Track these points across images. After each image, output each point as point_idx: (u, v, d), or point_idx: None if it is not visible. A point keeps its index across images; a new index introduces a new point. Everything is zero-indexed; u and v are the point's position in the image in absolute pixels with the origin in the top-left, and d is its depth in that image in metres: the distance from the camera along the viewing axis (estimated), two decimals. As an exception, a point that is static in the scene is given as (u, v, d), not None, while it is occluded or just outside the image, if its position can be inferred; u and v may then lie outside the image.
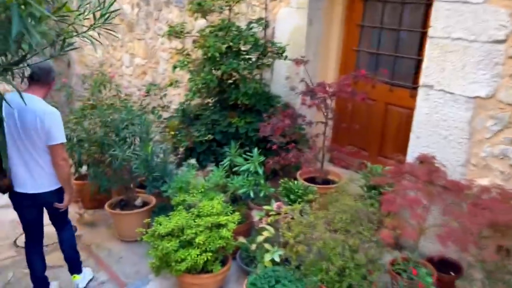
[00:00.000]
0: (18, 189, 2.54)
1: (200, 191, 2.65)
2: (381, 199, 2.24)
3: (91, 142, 3.14)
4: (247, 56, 3.11)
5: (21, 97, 1.75)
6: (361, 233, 2.15)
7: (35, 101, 2.47)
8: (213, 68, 3.08)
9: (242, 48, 3.13)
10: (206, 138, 3.11)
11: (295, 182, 2.91)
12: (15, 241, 3.87)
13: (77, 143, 3.15)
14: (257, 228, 2.59)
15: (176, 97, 4.44)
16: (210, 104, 3.41)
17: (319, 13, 3.28)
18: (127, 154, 2.78)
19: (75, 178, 4.04)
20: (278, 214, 2.56)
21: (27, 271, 2.79)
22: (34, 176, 2.53)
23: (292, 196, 2.75)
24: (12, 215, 2.87)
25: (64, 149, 2.57)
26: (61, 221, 2.81)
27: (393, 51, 3.11)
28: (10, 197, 2.62)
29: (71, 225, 2.89)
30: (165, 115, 3.78)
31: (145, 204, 3.49)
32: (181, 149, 3.40)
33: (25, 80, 2.37)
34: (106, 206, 3.48)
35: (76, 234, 3.87)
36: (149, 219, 2.72)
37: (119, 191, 3.54)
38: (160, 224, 2.39)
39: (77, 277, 2.88)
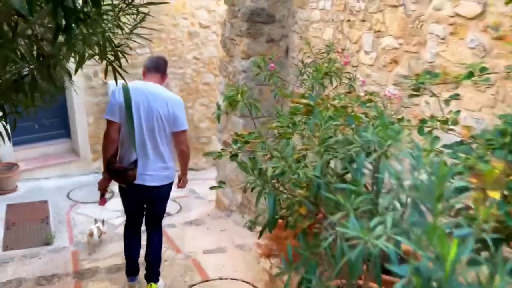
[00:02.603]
0: (137, 181, 2.56)
1: None
2: None
3: (295, 184, 1.60)
4: None
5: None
6: None
7: (159, 89, 2.61)
8: None
9: None
10: None
11: None
12: None
13: (271, 179, 1.64)
14: None
15: (463, 104, 2.50)
16: None
17: None
18: (386, 244, 1.06)
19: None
20: None
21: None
22: (154, 168, 2.59)
23: None
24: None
25: (186, 136, 2.71)
26: (156, 221, 2.91)
27: None
28: (122, 188, 2.71)
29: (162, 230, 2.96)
30: (444, 139, 1.91)
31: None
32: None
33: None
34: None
35: None
36: None
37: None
38: None
39: (155, 286, 2.86)
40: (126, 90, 2.41)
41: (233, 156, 2.06)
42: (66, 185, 5.99)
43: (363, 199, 1.36)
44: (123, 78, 2.28)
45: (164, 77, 2.72)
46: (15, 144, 5.93)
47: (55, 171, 6.16)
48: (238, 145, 2.13)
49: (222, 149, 2.16)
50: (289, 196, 1.76)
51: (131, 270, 2.91)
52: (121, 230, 4.87)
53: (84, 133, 6.36)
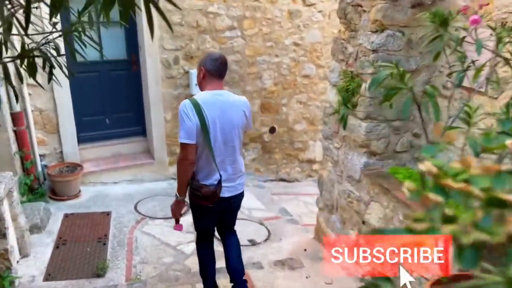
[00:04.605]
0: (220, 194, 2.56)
1: None
2: None
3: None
4: None
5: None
6: None
7: (231, 95, 2.53)
8: None
9: None
10: None
11: None
12: None
13: None
14: None
15: None
16: None
17: None
18: None
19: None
20: None
21: None
22: (232, 179, 2.58)
23: None
24: None
25: None
26: (233, 224, 2.94)
27: None
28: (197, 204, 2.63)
29: None
30: None
31: None
32: None
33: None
34: None
35: None
36: None
37: None
38: None
39: None
40: (198, 108, 2.34)
41: None
42: (135, 193, 5.10)
43: None
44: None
45: None
46: (81, 141, 5.18)
47: (125, 175, 5.31)
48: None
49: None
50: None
51: None
52: (192, 262, 3.80)
53: (160, 131, 5.43)
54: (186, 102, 2.39)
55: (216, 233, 3.00)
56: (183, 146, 2.40)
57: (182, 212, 2.74)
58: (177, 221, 2.75)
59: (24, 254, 3.59)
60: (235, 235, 2.97)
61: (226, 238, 2.93)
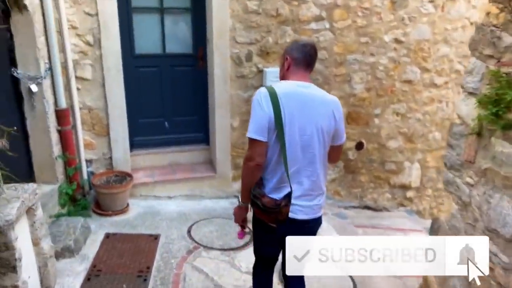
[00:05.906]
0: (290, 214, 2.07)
1: None
2: None
3: None
4: None
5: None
6: None
7: (319, 90, 2.12)
8: None
9: None
10: None
11: None
12: None
13: None
14: None
15: None
16: None
17: None
18: None
19: None
20: None
21: None
22: (307, 197, 2.11)
23: None
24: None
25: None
26: None
27: None
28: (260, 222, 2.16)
29: None
30: None
31: None
32: None
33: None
34: None
35: None
36: None
37: None
38: None
39: None
40: (275, 98, 1.97)
41: None
42: (191, 212, 4.32)
43: None
44: None
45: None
46: (134, 146, 4.51)
47: (182, 189, 4.56)
48: None
49: None
50: None
51: None
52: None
53: (225, 140, 4.61)
54: (262, 89, 2.03)
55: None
56: (251, 142, 2.03)
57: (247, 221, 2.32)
58: (242, 227, 2.39)
59: (46, 286, 2.91)
60: (303, 281, 2.35)
61: (290, 281, 2.34)
